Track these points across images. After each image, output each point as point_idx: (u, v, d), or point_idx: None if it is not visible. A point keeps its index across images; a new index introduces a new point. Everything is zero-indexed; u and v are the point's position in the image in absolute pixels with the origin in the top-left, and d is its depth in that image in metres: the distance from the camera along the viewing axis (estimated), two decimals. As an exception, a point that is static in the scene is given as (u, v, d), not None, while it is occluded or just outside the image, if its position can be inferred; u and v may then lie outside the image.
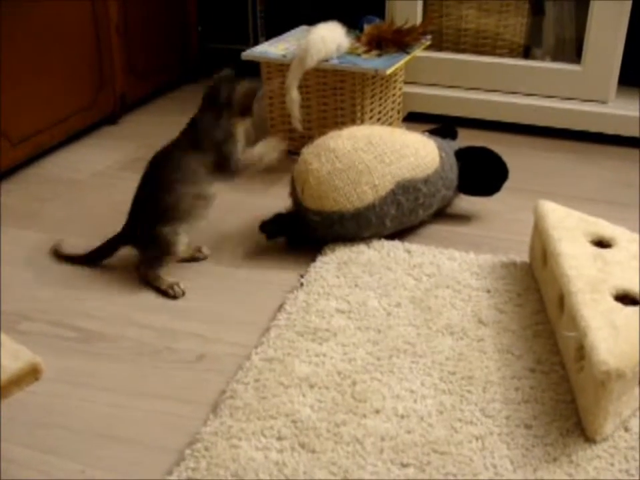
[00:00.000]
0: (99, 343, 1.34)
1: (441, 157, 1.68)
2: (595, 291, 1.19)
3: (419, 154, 1.64)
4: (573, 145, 2.23)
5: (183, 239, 1.51)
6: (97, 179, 1.99)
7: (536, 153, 2.17)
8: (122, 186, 1.93)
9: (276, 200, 1.74)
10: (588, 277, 1.23)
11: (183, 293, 1.48)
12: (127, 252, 1.55)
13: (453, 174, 1.70)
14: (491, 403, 1.16)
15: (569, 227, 1.40)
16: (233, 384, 1.20)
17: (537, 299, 1.43)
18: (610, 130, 2.22)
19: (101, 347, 1.33)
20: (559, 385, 1.20)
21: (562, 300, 1.28)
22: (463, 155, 1.74)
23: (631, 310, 1.14)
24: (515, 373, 1.23)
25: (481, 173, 1.74)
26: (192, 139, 1.55)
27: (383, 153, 1.62)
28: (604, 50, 2.18)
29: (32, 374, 0.98)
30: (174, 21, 2.60)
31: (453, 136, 1.88)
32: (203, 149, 1.53)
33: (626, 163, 2.11)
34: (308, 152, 1.65)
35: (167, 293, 1.48)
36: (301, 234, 1.63)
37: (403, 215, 1.63)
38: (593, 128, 2.23)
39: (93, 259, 1.58)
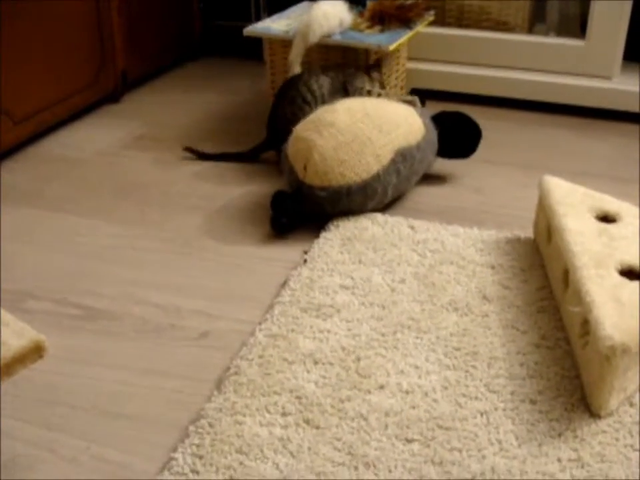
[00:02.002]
0: (103, 321, 1.34)
1: (424, 123, 1.72)
2: (600, 266, 1.19)
3: (409, 122, 1.69)
4: (577, 120, 2.21)
5: None
6: (99, 157, 1.98)
7: (540, 128, 2.16)
8: (125, 164, 1.93)
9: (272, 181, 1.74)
10: (593, 252, 1.22)
11: None
12: (124, 231, 1.55)
13: (435, 139, 1.75)
14: (496, 378, 1.16)
15: (573, 203, 1.39)
16: (237, 360, 1.20)
17: (542, 274, 1.42)
18: (614, 106, 2.20)
19: (106, 325, 1.33)
20: (564, 360, 1.20)
21: (567, 275, 1.27)
22: (437, 121, 1.79)
23: (637, 285, 1.13)
24: (519, 349, 1.22)
25: (457, 136, 1.80)
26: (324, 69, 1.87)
27: (381, 123, 1.64)
28: (608, 25, 2.15)
29: (36, 352, 0.98)
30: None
31: (422, 104, 1.95)
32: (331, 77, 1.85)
33: (630, 139, 2.09)
34: (304, 129, 1.64)
35: None
36: (304, 212, 1.62)
37: (400, 183, 1.66)
38: (597, 104, 2.21)
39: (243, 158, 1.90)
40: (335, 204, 1.60)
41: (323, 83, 1.82)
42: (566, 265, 1.26)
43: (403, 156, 1.64)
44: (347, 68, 1.88)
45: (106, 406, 1.15)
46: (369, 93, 1.85)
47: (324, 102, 1.78)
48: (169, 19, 2.55)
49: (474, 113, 1.86)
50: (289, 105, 1.80)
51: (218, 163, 1.91)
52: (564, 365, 1.19)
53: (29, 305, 1.38)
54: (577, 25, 2.37)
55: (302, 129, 1.65)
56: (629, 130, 2.15)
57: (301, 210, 1.61)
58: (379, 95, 1.85)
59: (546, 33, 2.36)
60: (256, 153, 1.90)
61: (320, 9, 1.89)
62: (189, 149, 1.93)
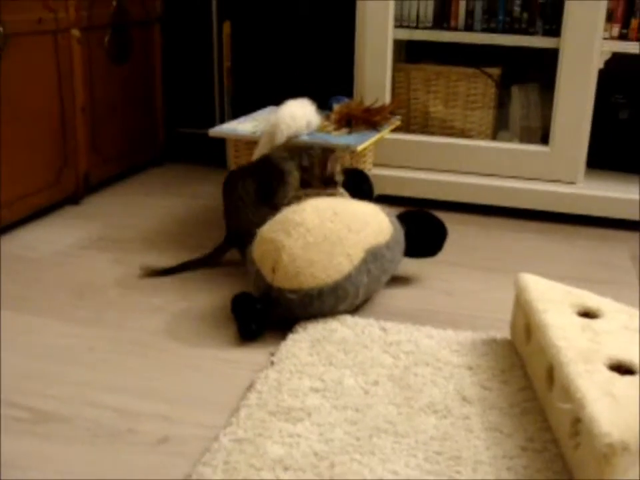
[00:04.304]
0: (53, 424, 1.22)
1: (391, 222, 1.68)
2: (587, 362, 1.12)
3: (377, 220, 1.65)
4: (543, 225, 2.21)
5: None
6: (57, 257, 1.89)
7: (506, 233, 2.15)
8: (83, 264, 1.85)
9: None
10: (579, 348, 1.16)
11: None
12: (80, 331, 1.46)
13: (402, 237, 1.71)
14: (482, 484, 1.07)
15: (553, 299, 1.34)
16: (199, 467, 1.10)
17: (522, 375, 1.35)
18: (579, 210, 2.21)
19: (55, 428, 1.21)
20: (554, 463, 1.11)
21: (551, 373, 1.21)
22: (402, 220, 1.75)
23: (629, 379, 1.07)
24: (505, 452, 1.14)
25: (423, 234, 1.77)
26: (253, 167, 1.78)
27: (350, 221, 1.59)
28: (571, 131, 2.19)
29: None
30: (140, 105, 2.57)
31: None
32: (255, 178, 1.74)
33: (597, 242, 2.09)
34: (271, 230, 1.58)
35: None
36: (273, 317, 1.54)
37: (371, 283, 1.60)
38: (562, 209, 2.22)
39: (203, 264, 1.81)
40: (305, 307, 1.52)
41: (249, 188, 1.75)
42: (550, 362, 1.20)
43: (374, 255, 1.59)
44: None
45: (51, 520, 1.03)
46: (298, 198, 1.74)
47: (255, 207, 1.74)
48: (133, 124, 2.54)
49: (441, 218, 1.84)
50: (232, 202, 1.76)
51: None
52: (554, 469, 1.10)
53: (-30, 409, 1.27)
54: (539, 135, 2.41)
55: (268, 230, 1.59)
56: (595, 234, 2.15)
57: (270, 314, 1.53)
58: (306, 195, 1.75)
59: (510, 140, 2.39)
60: (217, 255, 1.83)
61: (288, 110, 1.88)
62: (147, 271, 1.79)
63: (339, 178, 1.79)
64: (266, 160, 1.78)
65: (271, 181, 1.74)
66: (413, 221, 1.76)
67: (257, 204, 1.73)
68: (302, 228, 1.55)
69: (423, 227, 1.77)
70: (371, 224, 1.63)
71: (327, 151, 1.77)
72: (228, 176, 1.78)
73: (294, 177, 1.75)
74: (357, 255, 1.56)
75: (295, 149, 1.79)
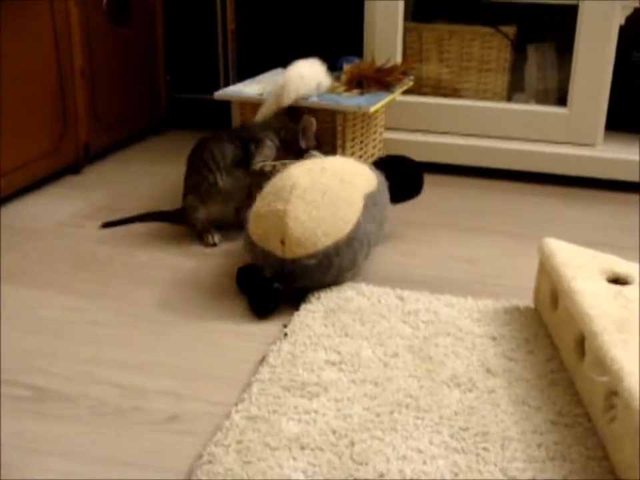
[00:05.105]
0: (55, 403, 1.16)
1: (371, 169, 1.64)
2: (622, 330, 1.05)
3: (361, 170, 1.61)
4: (560, 189, 2.13)
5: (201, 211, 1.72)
6: (58, 228, 1.82)
7: (523, 198, 2.07)
8: (85, 235, 1.78)
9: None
10: (612, 316, 1.09)
11: (214, 244, 1.71)
12: (83, 304, 1.39)
13: (385, 184, 1.67)
14: (512, 461, 1.00)
15: (581, 264, 1.27)
16: (211, 447, 1.03)
17: (548, 344, 1.28)
18: (598, 174, 2.13)
19: (58, 407, 1.15)
20: (586, 439, 1.05)
21: (581, 343, 1.14)
22: (378, 168, 1.70)
23: (670, 349, 1.00)
24: (535, 427, 1.07)
25: (400, 180, 1.72)
26: (232, 133, 1.76)
27: (340, 173, 1.54)
28: (590, 92, 2.10)
29: None
30: (141, 70, 2.48)
31: None
32: (236, 144, 1.72)
33: (617, 206, 2.01)
34: (265, 204, 1.50)
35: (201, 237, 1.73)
36: (291, 291, 1.46)
37: (377, 230, 1.57)
38: (581, 172, 2.14)
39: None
40: (325, 270, 1.45)
41: (227, 152, 1.71)
42: (581, 332, 1.13)
43: (372, 200, 1.55)
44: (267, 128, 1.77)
45: (55, 504, 0.97)
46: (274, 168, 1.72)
47: (227, 171, 1.70)
48: (135, 91, 2.45)
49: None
50: (194, 175, 1.73)
51: (184, 235, 1.77)
52: (587, 445, 1.03)
53: (-31, 387, 1.20)
54: (555, 96, 2.32)
55: (261, 205, 1.51)
56: (615, 198, 2.07)
57: (288, 289, 1.45)
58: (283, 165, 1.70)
59: (526, 102, 2.30)
60: (175, 214, 1.82)
61: (296, 70, 1.79)
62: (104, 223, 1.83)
63: (312, 143, 1.78)
64: (245, 127, 1.80)
65: (248, 146, 1.72)
66: (387, 168, 1.71)
67: (230, 168, 1.70)
68: (298, 190, 1.47)
69: (398, 172, 1.72)
70: (358, 173, 1.59)
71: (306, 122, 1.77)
72: (201, 140, 1.74)
73: (270, 146, 1.74)
74: (358, 203, 1.51)
75: (274, 123, 1.78)
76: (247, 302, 1.45)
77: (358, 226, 1.48)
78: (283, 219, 1.45)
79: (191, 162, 1.74)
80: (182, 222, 1.79)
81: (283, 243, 1.45)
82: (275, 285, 1.42)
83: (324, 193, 1.48)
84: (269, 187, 1.55)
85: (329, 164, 1.57)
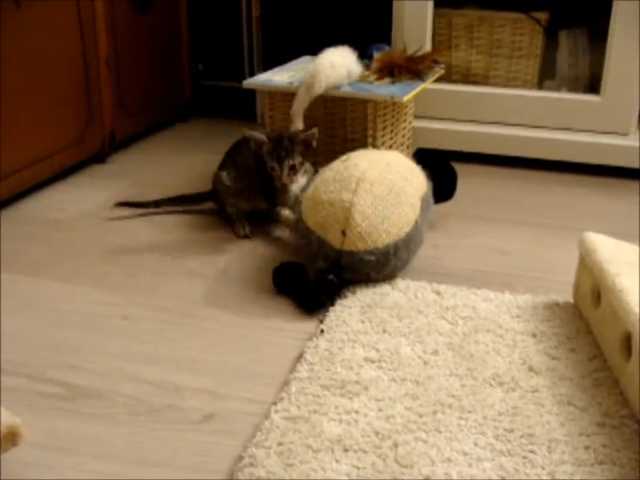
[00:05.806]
0: (88, 401, 1.14)
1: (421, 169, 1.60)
2: (674, 331, 1.02)
3: (416, 170, 1.58)
4: (594, 179, 2.09)
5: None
6: (85, 219, 1.80)
7: (555, 188, 2.03)
8: (113, 226, 1.76)
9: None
10: (662, 315, 1.06)
11: (246, 236, 1.67)
12: (113, 298, 1.37)
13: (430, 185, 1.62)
14: (560, 465, 0.98)
15: (625, 261, 1.23)
16: (251, 448, 1.01)
17: (590, 342, 1.25)
18: (632, 163, 2.08)
19: (91, 406, 1.13)
20: (635, 441, 1.02)
21: (628, 342, 1.11)
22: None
23: None
24: (582, 429, 1.04)
25: (434, 181, 1.63)
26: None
27: (402, 170, 1.52)
28: (624, 80, 2.05)
29: (9, 439, 0.87)
30: (166, 58, 2.45)
31: None
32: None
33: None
34: (327, 191, 1.47)
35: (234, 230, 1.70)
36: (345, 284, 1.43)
37: (426, 231, 1.54)
38: (614, 161, 2.09)
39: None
40: (381, 267, 1.43)
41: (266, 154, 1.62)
42: (628, 330, 1.09)
43: (427, 202, 1.53)
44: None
45: (93, 506, 0.95)
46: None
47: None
48: (160, 79, 2.42)
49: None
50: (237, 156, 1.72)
51: (216, 226, 1.74)
52: (635, 448, 1.01)
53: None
54: (587, 84, 2.27)
55: (323, 192, 1.48)
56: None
57: (344, 283, 1.42)
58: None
59: (557, 89, 2.25)
60: (200, 199, 1.82)
61: (327, 59, 1.76)
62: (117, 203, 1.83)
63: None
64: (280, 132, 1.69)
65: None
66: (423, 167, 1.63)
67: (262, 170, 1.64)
68: (366, 183, 1.45)
69: (433, 173, 1.64)
70: (414, 172, 1.56)
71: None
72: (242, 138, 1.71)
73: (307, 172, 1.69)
74: (416, 203, 1.49)
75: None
76: (286, 299, 1.42)
77: (416, 227, 1.46)
78: (348, 210, 1.42)
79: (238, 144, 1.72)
80: (209, 199, 1.78)
81: (343, 233, 1.42)
82: (329, 277, 1.39)
83: (390, 190, 1.45)
84: (330, 173, 1.51)
85: (390, 158, 1.55)
